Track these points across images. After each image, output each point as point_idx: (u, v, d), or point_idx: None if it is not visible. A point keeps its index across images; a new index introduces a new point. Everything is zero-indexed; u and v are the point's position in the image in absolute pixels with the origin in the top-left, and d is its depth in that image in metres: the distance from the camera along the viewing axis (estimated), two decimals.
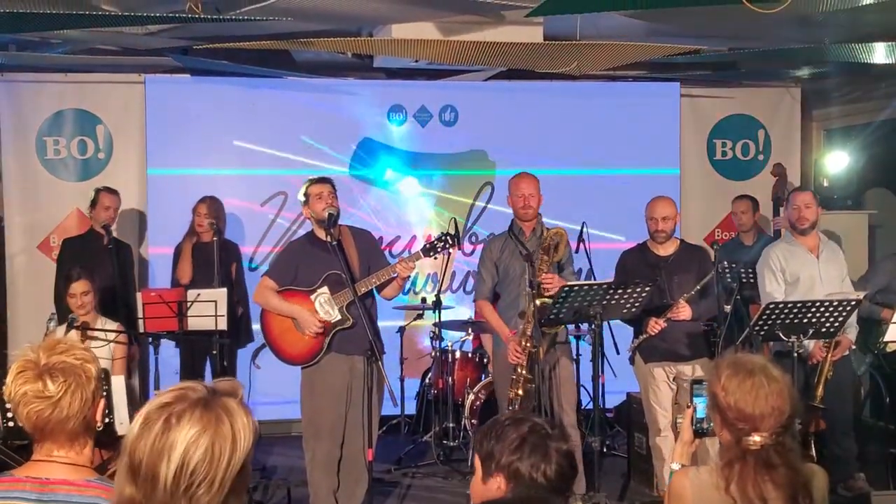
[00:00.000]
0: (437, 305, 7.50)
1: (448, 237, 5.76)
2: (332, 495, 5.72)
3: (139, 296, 6.42)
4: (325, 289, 5.62)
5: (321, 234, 5.66)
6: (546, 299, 5.63)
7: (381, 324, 5.99)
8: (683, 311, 5.79)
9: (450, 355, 7.51)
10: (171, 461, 1.76)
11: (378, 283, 5.64)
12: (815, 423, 5.80)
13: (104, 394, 2.46)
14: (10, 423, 4.79)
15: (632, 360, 6.17)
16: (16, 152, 8.07)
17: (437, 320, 7.53)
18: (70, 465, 2.38)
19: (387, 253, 8.36)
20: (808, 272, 6.14)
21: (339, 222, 5.78)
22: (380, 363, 5.43)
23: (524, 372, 5.70)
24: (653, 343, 5.94)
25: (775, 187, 8.10)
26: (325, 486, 5.71)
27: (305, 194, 5.70)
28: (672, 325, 5.84)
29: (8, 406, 4.74)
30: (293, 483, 6.46)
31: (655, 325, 5.81)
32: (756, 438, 2.76)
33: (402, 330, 7.89)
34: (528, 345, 5.67)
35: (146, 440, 1.79)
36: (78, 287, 6.01)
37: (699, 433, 3.16)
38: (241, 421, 1.83)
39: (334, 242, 5.54)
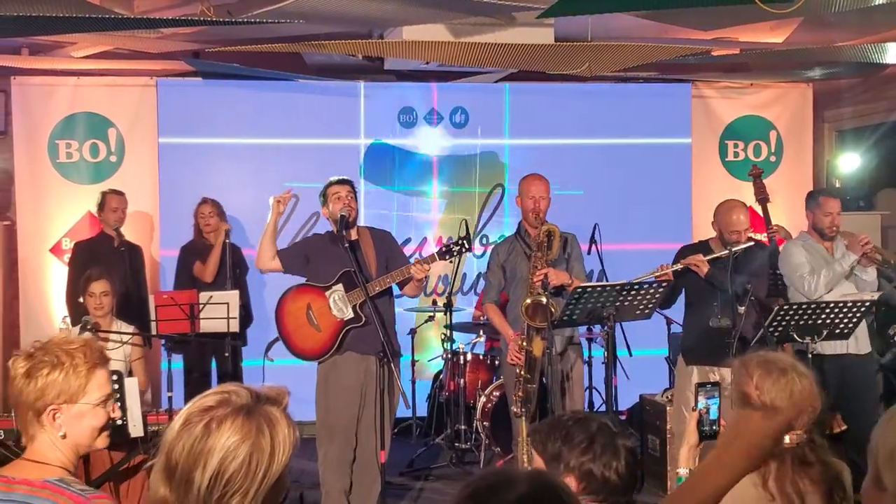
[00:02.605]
0: (449, 307, 7.49)
1: (464, 242, 5.76)
2: (343, 496, 5.72)
3: (151, 298, 6.42)
4: (339, 286, 5.63)
5: (336, 232, 5.68)
6: (541, 298, 5.59)
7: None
8: (701, 262, 5.67)
9: (461, 357, 7.50)
10: (207, 468, 1.75)
11: (392, 282, 5.65)
12: (833, 425, 5.75)
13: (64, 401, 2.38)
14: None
15: (675, 362, 6.08)
16: (28, 155, 8.09)
17: (449, 322, 7.53)
18: (34, 462, 2.33)
19: None
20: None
21: (358, 224, 5.81)
22: (393, 364, 5.43)
23: (522, 372, 5.69)
24: (696, 344, 5.86)
25: (758, 189, 8.07)
26: (337, 487, 5.70)
27: (325, 194, 5.72)
28: (720, 327, 5.68)
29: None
30: (306, 485, 6.46)
31: (696, 260, 5.67)
32: (792, 436, 2.76)
33: (413, 332, 7.89)
34: (526, 345, 5.67)
35: (185, 442, 1.77)
36: (98, 286, 6.00)
37: (707, 436, 3.13)
38: (283, 433, 1.81)
39: (346, 244, 5.55)
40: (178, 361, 6.78)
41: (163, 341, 6.20)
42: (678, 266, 5.63)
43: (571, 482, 2.43)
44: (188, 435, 1.77)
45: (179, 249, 7.53)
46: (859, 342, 6.07)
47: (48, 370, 2.31)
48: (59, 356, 2.32)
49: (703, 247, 5.97)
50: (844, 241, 6.21)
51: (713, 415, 3.10)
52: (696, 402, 3.13)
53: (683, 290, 5.92)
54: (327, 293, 5.64)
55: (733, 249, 5.63)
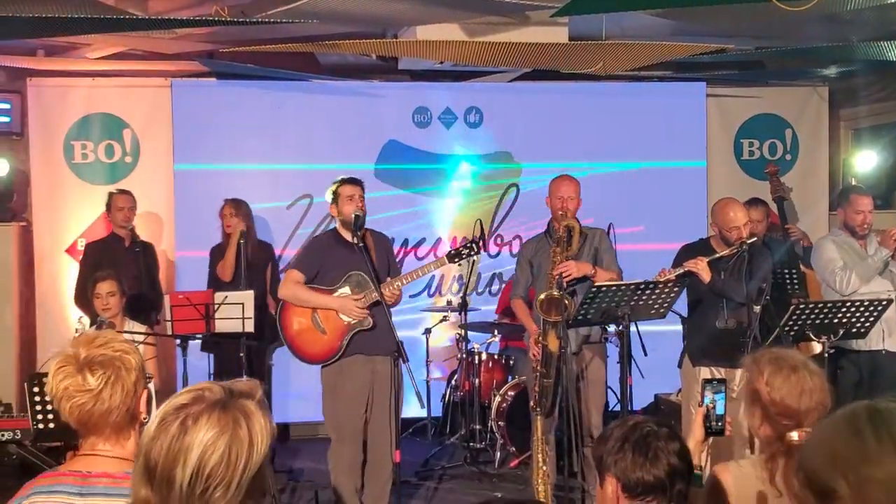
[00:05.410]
0: (463, 307, 7.49)
1: (473, 244, 5.76)
2: (356, 495, 5.72)
3: (167, 298, 6.44)
4: (346, 289, 5.62)
5: (346, 234, 5.66)
6: (553, 292, 5.59)
7: (406, 326, 5.99)
8: (703, 269, 5.58)
9: (476, 357, 7.49)
10: (188, 465, 1.76)
11: (401, 286, 5.65)
12: None
13: (146, 385, 2.47)
14: (41, 426, 4.84)
15: (680, 364, 6.06)
16: (44, 156, 8.12)
17: (463, 322, 7.52)
18: (113, 458, 2.38)
19: (412, 255, 8.40)
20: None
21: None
22: (405, 365, 5.42)
23: (539, 367, 5.69)
24: (703, 345, 5.84)
25: (775, 187, 8.03)
26: (350, 487, 5.71)
27: (335, 193, 5.70)
28: (726, 329, 5.70)
29: (38, 408, 4.80)
30: (320, 486, 6.47)
31: (697, 262, 5.57)
32: (800, 434, 2.75)
33: (427, 332, 7.90)
34: (542, 339, 5.66)
35: (162, 442, 1.78)
36: (104, 287, 6.02)
37: (713, 432, 3.12)
38: (259, 423, 1.82)
39: (361, 244, 5.54)
40: (196, 362, 6.75)
41: (178, 341, 6.21)
42: (679, 270, 5.58)
43: (612, 481, 2.47)
44: (165, 434, 1.78)
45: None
46: (894, 338, 6.06)
47: (113, 371, 2.37)
48: (112, 355, 2.38)
49: (704, 246, 5.90)
50: (877, 237, 6.17)
51: (720, 410, 3.10)
52: (703, 397, 3.13)
53: (686, 290, 5.83)
54: (334, 295, 5.64)
55: (744, 247, 5.57)
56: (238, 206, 7.36)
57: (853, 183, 8.67)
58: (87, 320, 6.38)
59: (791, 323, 5.49)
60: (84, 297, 6.61)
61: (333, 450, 5.75)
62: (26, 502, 2.33)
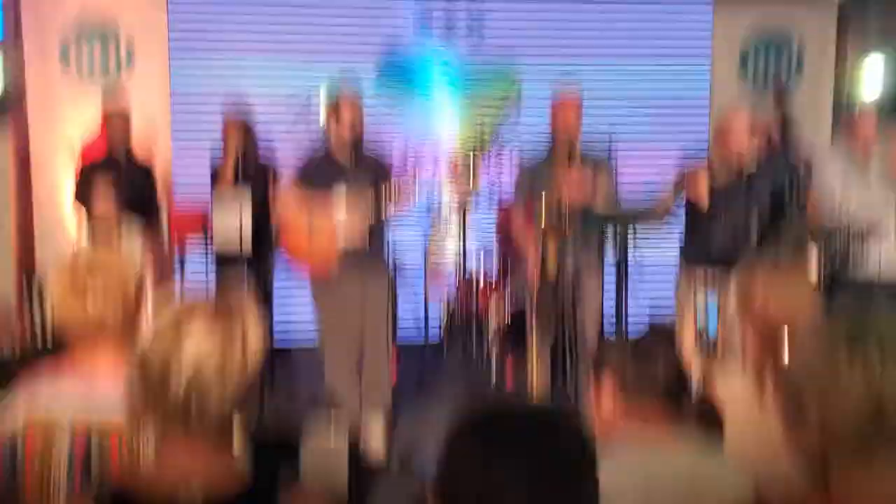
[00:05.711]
0: (462, 226, 7.43)
1: (472, 159, 5.74)
2: (356, 403, 5.78)
3: (164, 209, 6.42)
4: (342, 208, 5.60)
5: (342, 152, 5.60)
6: (553, 215, 5.61)
7: (403, 245, 5.98)
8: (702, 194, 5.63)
9: (474, 278, 7.47)
10: (182, 371, 1.80)
11: (397, 204, 5.64)
12: None
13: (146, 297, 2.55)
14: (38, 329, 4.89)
15: (676, 289, 6.07)
16: (38, 62, 8.02)
17: (462, 242, 7.48)
18: (115, 362, 2.44)
19: (411, 167, 8.33)
20: None
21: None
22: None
23: (537, 289, 5.72)
24: (700, 246, 5.84)
25: (779, 103, 7.96)
26: (349, 396, 5.77)
27: (336, 107, 5.61)
28: (724, 223, 5.72)
29: (35, 313, 4.84)
30: (319, 403, 6.52)
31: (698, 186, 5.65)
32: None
33: (424, 252, 7.88)
34: (541, 260, 5.71)
35: (157, 350, 1.82)
36: (102, 180, 6.01)
37: (705, 346, 3.16)
38: (253, 331, 1.87)
39: (357, 163, 5.51)
40: (200, 274, 6.74)
41: (176, 254, 6.21)
42: (678, 198, 5.58)
43: (609, 394, 2.49)
44: (159, 342, 1.83)
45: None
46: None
47: (124, 287, 2.48)
48: (113, 272, 2.47)
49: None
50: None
51: (712, 325, 3.15)
52: (696, 311, 3.18)
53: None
54: (330, 213, 5.61)
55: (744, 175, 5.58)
56: (237, 126, 7.25)
57: (859, 102, 8.60)
58: (85, 231, 6.36)
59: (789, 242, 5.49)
60: (82, 193, 6.59)
61: (328, 367, 5.79)
62: (25, 396, 2.38)
